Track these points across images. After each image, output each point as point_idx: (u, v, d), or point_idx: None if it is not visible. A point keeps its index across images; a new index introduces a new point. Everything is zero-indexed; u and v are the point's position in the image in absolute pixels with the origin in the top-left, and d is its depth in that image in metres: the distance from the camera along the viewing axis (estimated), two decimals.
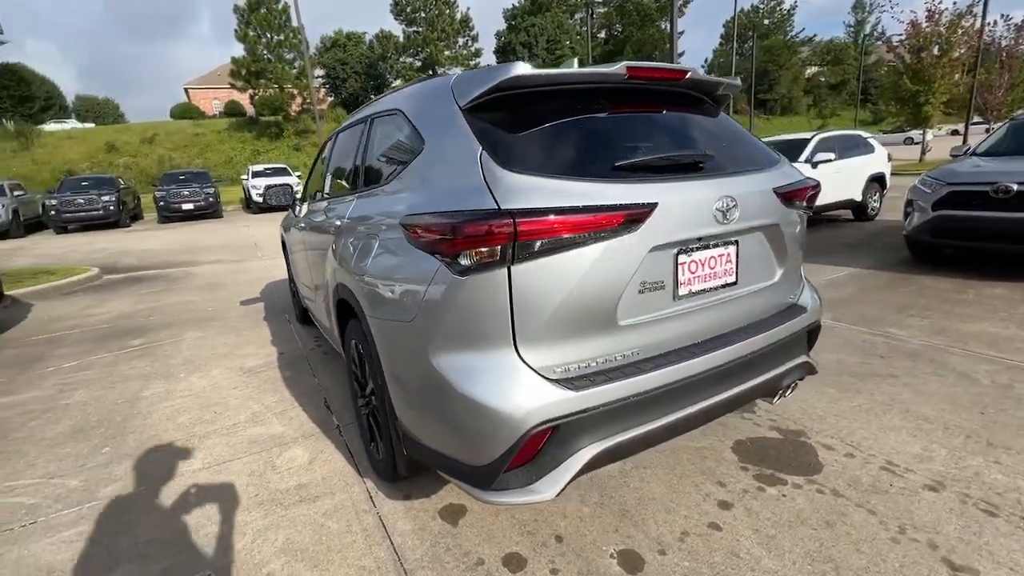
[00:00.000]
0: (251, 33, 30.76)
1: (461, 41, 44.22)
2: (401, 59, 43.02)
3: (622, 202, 1.43)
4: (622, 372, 1.52)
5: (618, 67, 1.60)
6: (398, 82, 36.96)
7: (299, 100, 32.69)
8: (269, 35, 31.24)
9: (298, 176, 19.11)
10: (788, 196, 1.84)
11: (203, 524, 2.06)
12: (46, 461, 2.62)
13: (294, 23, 27.83)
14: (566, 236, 1.37)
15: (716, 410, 1.77)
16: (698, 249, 1.65)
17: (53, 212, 14.02)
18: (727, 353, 1.72)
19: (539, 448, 1.43)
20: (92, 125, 38.38)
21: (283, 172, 18.17)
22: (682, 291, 1.64)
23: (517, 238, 1.32)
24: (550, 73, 1.55)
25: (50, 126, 33.92)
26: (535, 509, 2.00)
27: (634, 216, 1.43)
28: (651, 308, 1.58)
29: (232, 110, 37.04)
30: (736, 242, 1.76)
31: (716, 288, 1.73)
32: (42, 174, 24.82)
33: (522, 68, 1.51)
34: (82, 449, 2.71)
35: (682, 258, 1.62)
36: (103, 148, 28.25)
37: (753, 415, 2.62)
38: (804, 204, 1.93)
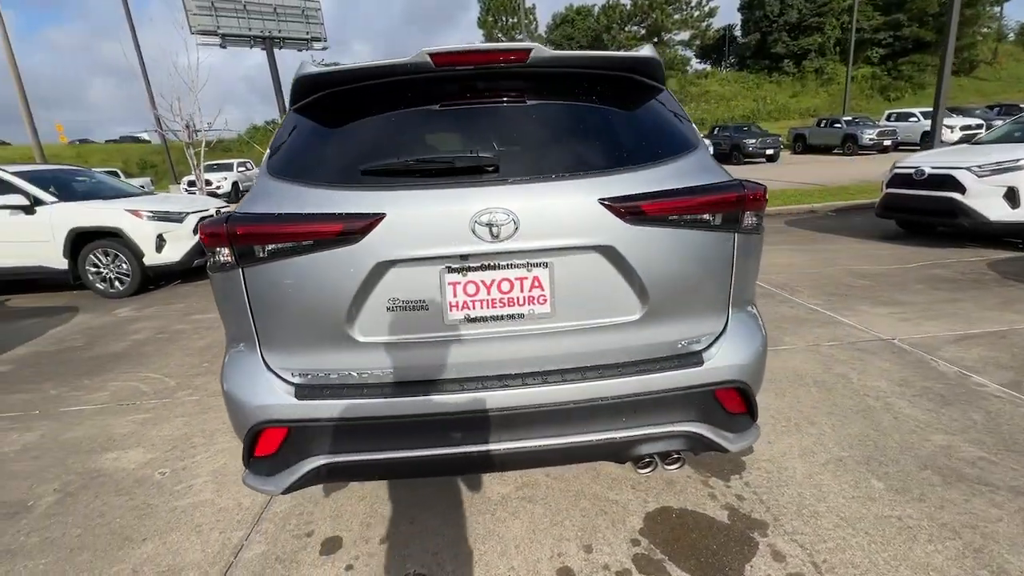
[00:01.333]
0: (490, 19, 33.82)
1: (694, 1, 40.34)
2: (626, 28, 41.62)
3: (340, 211, 1.30)
4: (359, 391, 1.42)
5: (417, 55, 1.41)
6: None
7: None
8: (504, 18, 33.84)
9: None
10: (632, 210, 1.35)
11: None
12: None
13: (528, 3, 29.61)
14: (283, 244, 1.33)
15: (525, 459, 1.50)
16: (476, 269, 1.38)
17: None
18: (535, 395, 1.42)
19: (278, 444, 1.47)
20: None
21: None
22: (455, 315, 1.40)
23: (236, 242, 1.35)
24: (332, 71, 1.46)
25: None
26: (402, 509, 2.01)
27: (353, 227, 1.29)
28: (411, 329, 1.41)
29: None
30: (547, 264, 1.40)
31: (515, 317, 1.42)
32: None
33: (306, 69, 1.48)
34: None
35: (452, 277, 1.38)
36: None
37: (721, 482, 2.04)
38: (693, 218, 1.39)
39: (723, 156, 20.52)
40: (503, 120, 1.49)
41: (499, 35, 33.66)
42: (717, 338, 1.53)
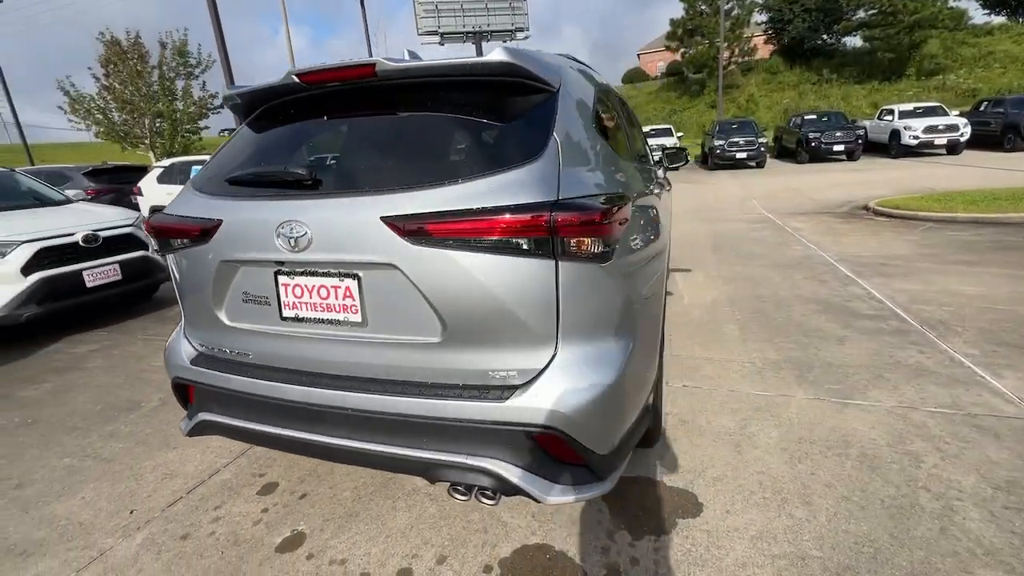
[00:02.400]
0: None
1: None
2: None
3: (195, 215, 1.53)
4: (227, 366, 1.67)
5: (284, 76, 1.55)
6: (860, 14, 29.56)
7: (728, 54, 31.53)
8: None
9: (679, 137, 19.28)
10: (414, 230, 1.25)
11: None
12: None
13: None
14: (173, 239, 1.64)
15: (366, 456, 1.56)
16: (302, 274, 1.48)
17: None
18: (348, 399, 1.49)
19: (190, 398, 1.84)
20: None
21: (665, 133, 18.74)
22: (287, 313, 1.53)
23: (152, 234, 1.71)
24: (228, 94, 1.69)
25: None
26: (336, 478, 2.26)
27: (201, 230, 1.51)
28: (258, 319, 1.59)
29: (673, 70, 39.36)
30: (357, 276, 1.41)
31: (334, 322, 1.48)
32: None
33: (228, 90, 1.74)
34: None
35: (283, 279, 1.51)
36: None
37: (629, 537, 1.79)
38: (494, 239, 1.24)
39: (987, 139, 15.54)
40: (349, 133, 1.55)
41: (702, 6, 30.81)
42: (538, 375, 1.36)
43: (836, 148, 16.25)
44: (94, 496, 2.23)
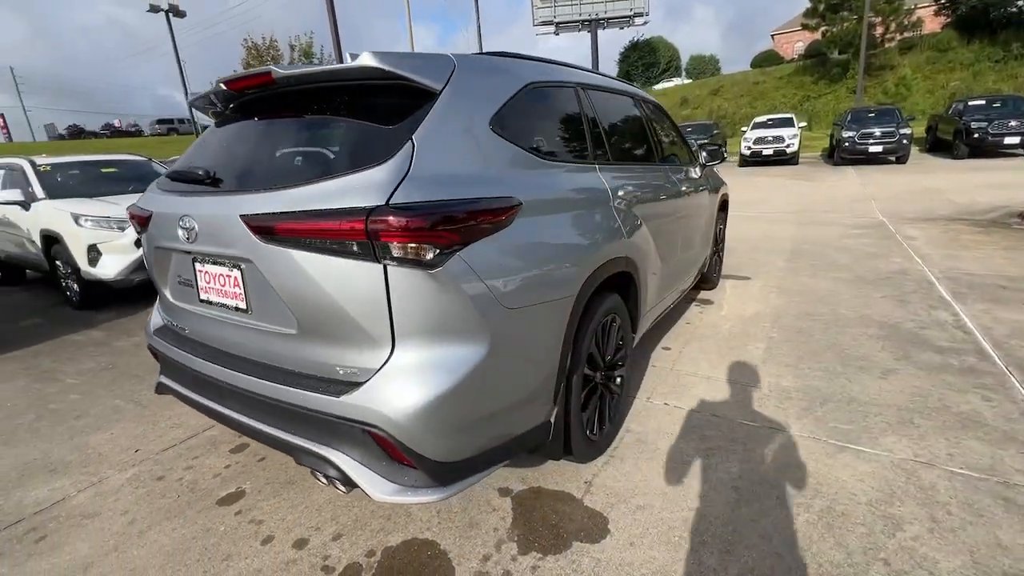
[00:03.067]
0: None
1: None
2: None
3: (141, 206, 1.78)
4: (173, 337, 1.93)
5: (215, 84, 1.72)
6: None
7: (881, 31, 27.22)
8: None
9: (802, 127, 17.22)
10: (262, 228, 1.32)
11: None
12: None
13: None
14: (135, 226, 1.93)
15: (256, 432, 1.72)
16: (209, 262, 1.64)
17: None
18: (234, 378, 1.65)
19: (159, 361, 2.15)
20: (688, 81, 46.13)
21: (781, 124, 16.85)
22: (203, 295, 1.71)
23: (131, 221, 2.02)
24: (197, 97, 1.89)
25: (660, 85, 43.36)
26: None
27: (142, 219, 1.75)
28: (188, 300, 1.80)
29: (812, 51, 35.04)
30: (240, 267, 1.54)
31: (230, 308, 1.63)
32: None
33: (190, 97, 1.97)
34: None
35: (198, 266, 1.69)
36: (677, 102, 34.09)
37: (514, 549, 1.76)
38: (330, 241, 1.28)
39: None
40: (250, 135, 1.69)
41: None
42: (374, 375, 1.39)
43: (1009, 140, 13.34)
44: (119, 434, 2.71)
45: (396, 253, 1.28)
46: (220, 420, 1.84)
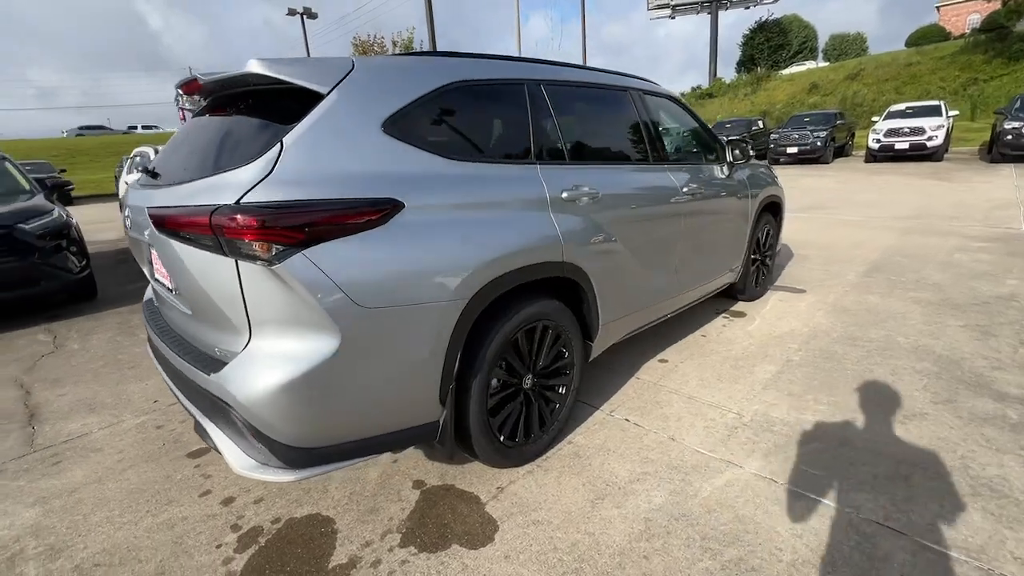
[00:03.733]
0: None
1: None
2: None
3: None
4: (148, 309, 2.24)
5: (175, 88, 1.95)
6: None
7: None
8: None
9: (952, 116, 14.53)
10: (155, 220, 1.47)
11: None
12: None
13: None
14: None
15: (180, 401, 1.93)
16: (151, 247, 1.88)
17: (772, 145, 16.19)
18: (167, 350, 1.89)
19: None
20: (824, 64, 41.03)
21: (930, 112, 14.37)
22: (156, 275, 1.97)
23: None
24: (184, 104, 2.15)
25: (791, 69, 39.06)
26: None
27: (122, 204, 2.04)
28: (152, 278, 2.08)
29: (990, 24, 29.20)
30: (152, 247, 1.75)
31: (168, 287, 1.85)
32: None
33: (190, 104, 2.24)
34: None
35: (151, 251, 1.94)
36: (805, 89, 30.51)
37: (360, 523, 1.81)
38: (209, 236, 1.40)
39: None
40: (191, 134, 1.88)
41: None
42: (235, 358, 1.51)
43: None
44: (151, 385, 3.19)
45: (243, 249, 1.38)
46: (169, 387, 2.11)
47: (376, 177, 1.59)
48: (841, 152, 17.15)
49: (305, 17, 25.29)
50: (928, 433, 2.27)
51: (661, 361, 3.16)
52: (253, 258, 1.38)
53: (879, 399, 2.57)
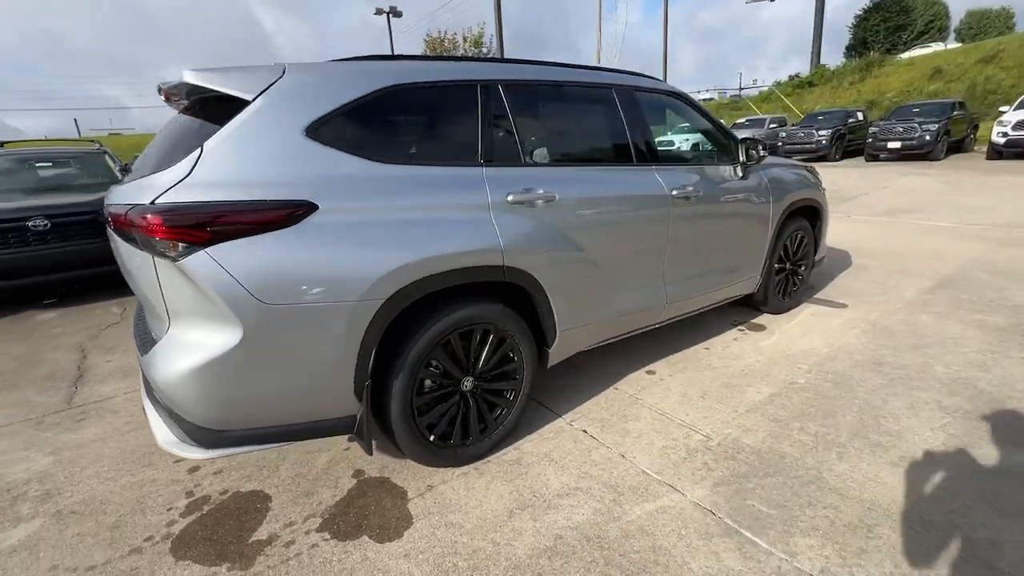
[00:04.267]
0: None
1: None
2: None
3: None
4: None
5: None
6: None
7: None
8: None
9: None
10: (107, 214, 1.65)
11: None
12: None
13: None
14: None
15: None
16: None
17: (871, 139, 14.34)
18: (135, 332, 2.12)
19: None
20: (958, 45, 35.90)
21: None
22: None
23: None
24: None
25: (911, 52, 34.53)
26: None
27: None
28: None
29: None
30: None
31: None
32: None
33: None
34: None
35: None
36: (927, 74, 26.89)
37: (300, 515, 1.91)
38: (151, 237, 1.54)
39: None
40: (159, 136, 2.06)
41: None
42: (158, 342, 1.67)
43: None
44: None
45: (156, 246, 1.51)
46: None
47: (295, 179, 1.67)
48: (959, 148, 14.97)
49: (391, 16, 26.53)
50: (920, 480, 1.97)
51: (648, 372, 3.01)
52: (163, 254, 1.52)
53: (876, 435, 2.27)
